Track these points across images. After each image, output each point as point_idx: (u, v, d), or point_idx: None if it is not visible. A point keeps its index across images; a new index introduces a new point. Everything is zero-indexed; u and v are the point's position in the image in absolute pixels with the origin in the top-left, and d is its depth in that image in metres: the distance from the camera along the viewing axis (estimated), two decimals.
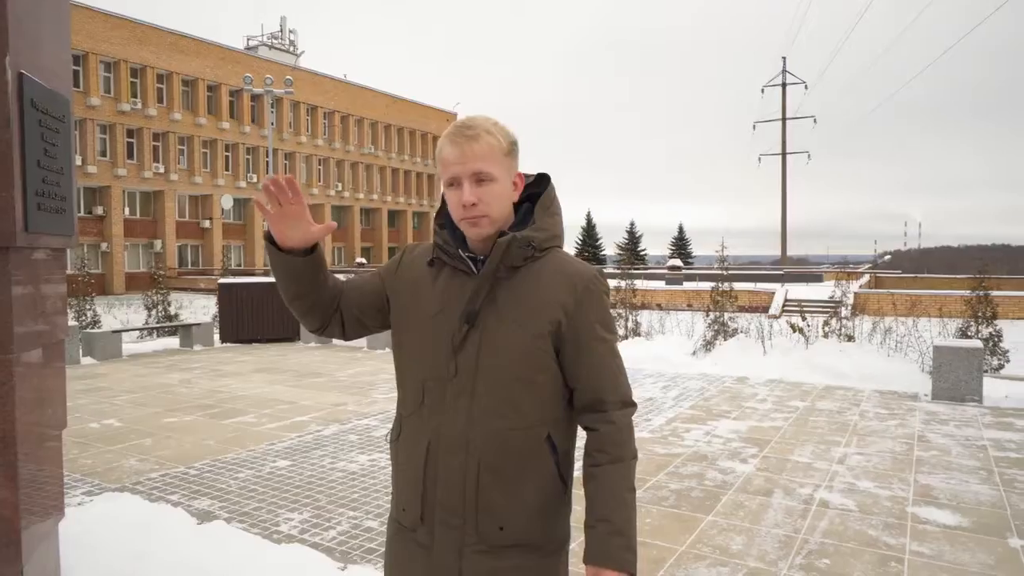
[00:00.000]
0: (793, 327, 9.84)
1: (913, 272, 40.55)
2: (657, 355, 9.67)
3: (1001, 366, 10.75)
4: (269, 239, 1.49)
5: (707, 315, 11.68)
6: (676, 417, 6.65)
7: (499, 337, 1.40)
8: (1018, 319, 19.58)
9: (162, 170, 37.88)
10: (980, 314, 11.28)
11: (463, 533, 1.41)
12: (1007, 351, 11.39)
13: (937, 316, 11.50)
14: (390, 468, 1.60)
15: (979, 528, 3.91)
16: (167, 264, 32.92)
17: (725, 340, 10.90)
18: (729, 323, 11.51)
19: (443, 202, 1.52)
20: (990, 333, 11.32)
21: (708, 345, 10.65)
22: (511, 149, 1.44)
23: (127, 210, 37.46)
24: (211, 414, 6.81)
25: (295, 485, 4.64)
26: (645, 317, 12.77)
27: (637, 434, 5.46)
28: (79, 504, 4.15)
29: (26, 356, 2.60)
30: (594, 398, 1.43)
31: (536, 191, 1.52)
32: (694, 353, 10.23)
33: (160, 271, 15.62)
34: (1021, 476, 4.83)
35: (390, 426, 1.54)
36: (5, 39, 2.40)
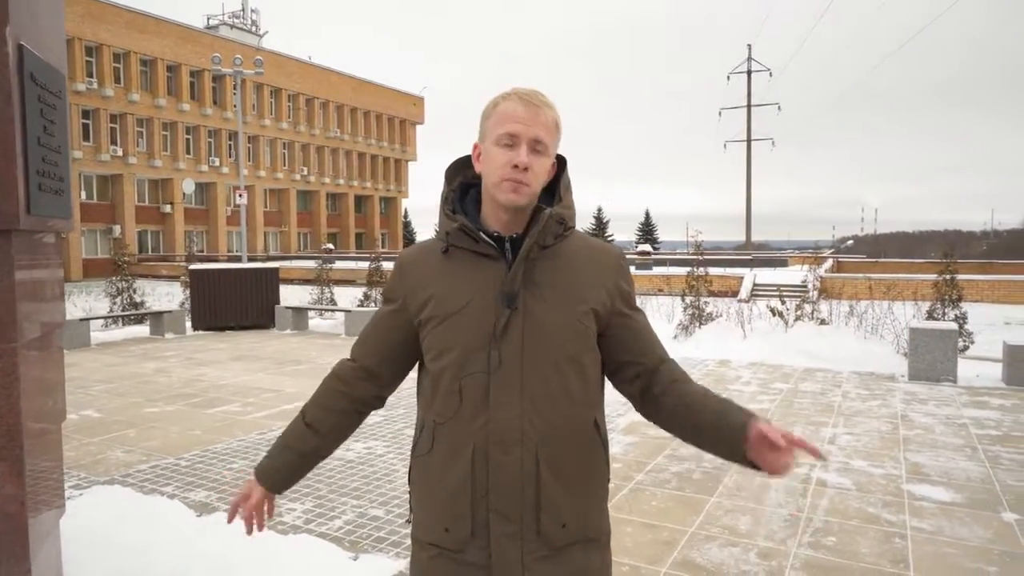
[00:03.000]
0: (773, 311, 10.00)
1: (873, 256, 41.63)
2: None
3: (966, 347, 11.11)
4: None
5: (683, 299, 11.81)
6: None
7: (544, 319, 1.33)
8: (976, 301, 20.26)
9: (120, 153, 36.73)
10: (947, 297, 11.63)
11: (522, 540, 1.32)
12: (971, 332, 11.79)
13: (911, 299, 11.81)
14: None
15: (973, 504, 4.02)
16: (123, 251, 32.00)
17: (701, 324, 11.03)
18: (704, 307, 11.65)
19: (449, 190, 1.44)
20: (956, 315, 11.69)
21: (686, 329, 10.77)
22: (560, 136, 1.41)
23: (83, 194, 36.28)
24: (194, 403, 6.64)
25: None
26: None
27: (629, 418, 5.45)
28: (68, 498, 4.00)
29: (29, 345, 2.48)
30: (657, 359, 1.44)
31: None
32: (675, 337, 10.33)
33: (124, 257, 15.11)
34: (1004, 452, 4.99)
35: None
36: (5, 8, 2.26)
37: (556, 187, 1.43)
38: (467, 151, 1.47)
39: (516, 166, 1.31)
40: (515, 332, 1.32)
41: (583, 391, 1.37)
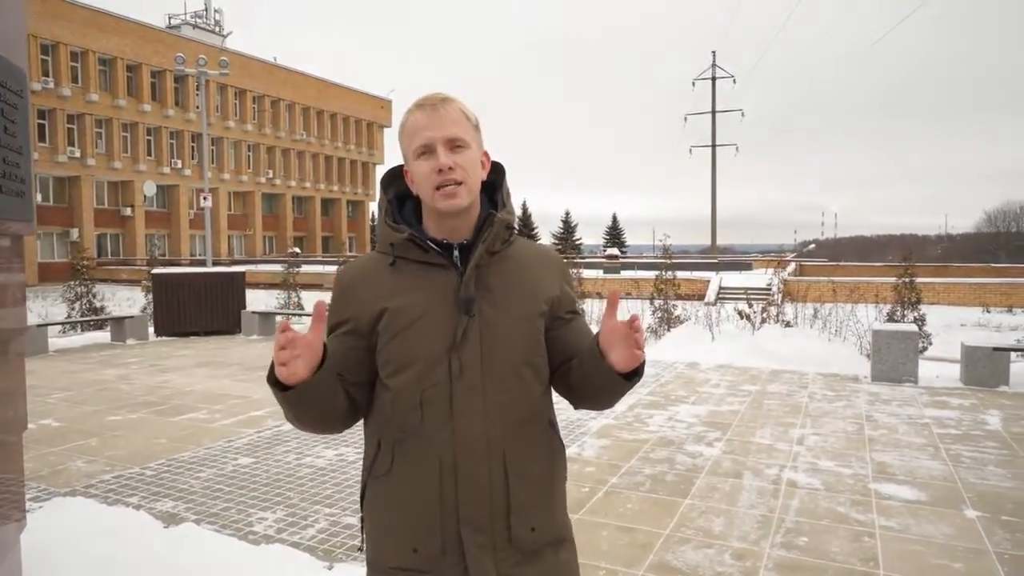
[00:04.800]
0: (740, 314, 10.16)
1: (834, 260, 42.56)
2: None
3: (925, 348, 11.43)
4: (275, 383, 1.24)
5: (652, 303, 11.93)
6: (637, 403, 6.75)
7: (499, 324, 1.33)
8: (932, 304, 20.86)
9: (78, 154, 35.74)
10: (906, 299, 11.97)
11: (495, 549, 1.31)
12: (929, 334, 12.14)
13: (873, 302, 12.12)
14: (360, 462, 1.46)
15: (937, 502, 4.12)
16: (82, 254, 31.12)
17: (670, 328, 11.16)
18: (672, 310, 11.80)
19: (388, 204, 1.41)
20: (915, 317, 12.04)
21: (655, 332, 10.88)
22: (478, 124, 1.39)
23: (39, 196, 35.19)
24: (158, 411, 6.47)
25: (263, 483, 4.46)
26: (593, 306, 12.91)
27: (601, 421, 5.46)
28: (27, 511, 3.86)
29: None
30: None
31: (488, 179, 1.45)
32: (645, 340, 10.42)
33: (84, 262, 14.72)
34: (965, 451, 5.13)
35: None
36: None
37: (496, 194, 1.43)
38: None
39: (440, 170, 1.29)
40: (473, 339, 1.31)
41: (540, 393, 1.39)
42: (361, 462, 1.45)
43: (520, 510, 1.32)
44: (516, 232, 1.43)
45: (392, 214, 1.40)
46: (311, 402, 1.27)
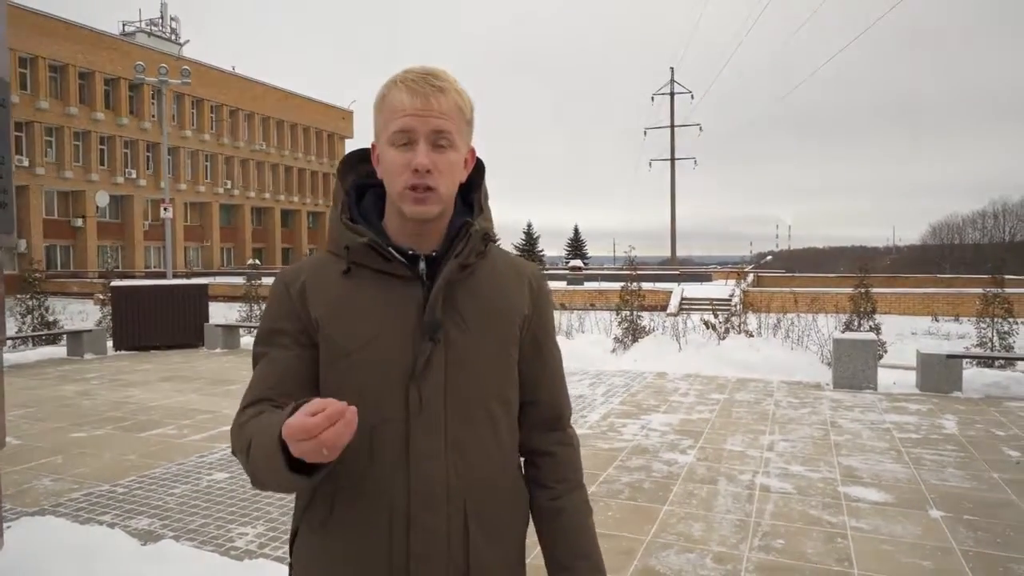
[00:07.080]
0: (707, 324, 10.37)
1: (789, 271, 43.72)
2: (579, 353, 9.89)
3: (880, 356, 11.84)
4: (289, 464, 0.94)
5: (618, 314, 12.09)
6: (610, 413, 6.84)
7: (468, 351, 1.13)
8: (884, 313, 21.56)
9: (26, 163, 34.60)
10: (862, 309, 12.39)
11: None
12: (884, 342, 12.58)
13: (832, 312, 12.51)
14: None
15: (903, 503, 4.29)
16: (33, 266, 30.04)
17: (635, 338, 11.31)
18: (637, 321, 11.96)
19: (345, 197, 1.18)
20: (870, 326, 12.46)
21: (623, 343, 11.02)
22: (471, 119, 1.16)
23: None
24: (124, 427, 6.31)
25: (240, 498, 4.39)
26: (562, 317, 13.02)
27: (577, 430, 5.62)
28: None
29: None
30: (554, 413, 1.26)
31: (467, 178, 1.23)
32: (614, 351, 10.55)
33: (36, 274, 14.24)
34: (926, 454, 5.35)
35: None
36: None
37: (472, 195, 1.22)
38: None
39: (416, 170, 1.07)
40: (437, 368, 1.11)
41: (510, 434, 1.20)
42: None
43: (481, 567, 1.14)
44: (492, 242, 1.21)
45: (350, 209, 1.17)
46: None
